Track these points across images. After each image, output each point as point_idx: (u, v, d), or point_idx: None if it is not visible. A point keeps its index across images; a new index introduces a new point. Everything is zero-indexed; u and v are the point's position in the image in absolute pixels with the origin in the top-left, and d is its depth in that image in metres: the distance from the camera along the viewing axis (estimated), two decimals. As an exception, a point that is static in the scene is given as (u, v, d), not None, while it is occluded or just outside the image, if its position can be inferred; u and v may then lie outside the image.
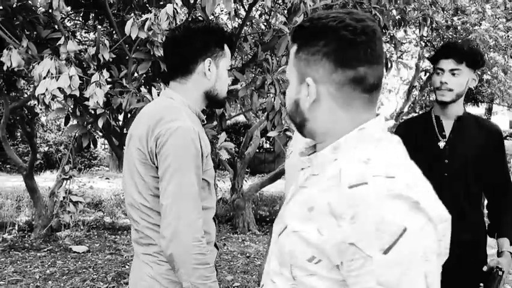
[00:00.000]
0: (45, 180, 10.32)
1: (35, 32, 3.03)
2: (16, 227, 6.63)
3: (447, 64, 2.21)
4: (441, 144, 2.26)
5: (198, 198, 1.58)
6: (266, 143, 15.57)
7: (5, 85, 3.74)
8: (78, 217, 7.30)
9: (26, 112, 6.45)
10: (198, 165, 1.59)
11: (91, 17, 3.84)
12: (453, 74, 2.20)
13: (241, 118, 14.91)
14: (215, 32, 1.74)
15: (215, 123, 3.14)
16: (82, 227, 6.97)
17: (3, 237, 6.30)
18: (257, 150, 15.01)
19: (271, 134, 2.85)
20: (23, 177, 6.45)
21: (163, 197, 1.56)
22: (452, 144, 2.26)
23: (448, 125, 2.30)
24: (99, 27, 2.84)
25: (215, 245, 1.87)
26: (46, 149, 13.83)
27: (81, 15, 3.84)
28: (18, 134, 13.45)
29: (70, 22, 5.15)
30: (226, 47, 1.77)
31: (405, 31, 6.88)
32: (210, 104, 1.81)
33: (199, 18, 3.36)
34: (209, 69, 1.71)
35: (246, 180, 7.97)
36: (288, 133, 2.83)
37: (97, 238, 6.69)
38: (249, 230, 7.39)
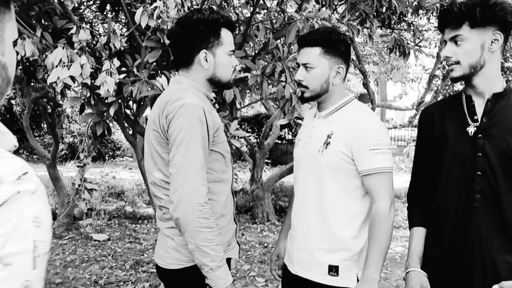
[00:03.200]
0: (69, 170, 10.52)
1: (51, 23, 3.07)
2: (40, 215, 6.77)
3: (447, 33, 1.73)
4: (471, 130, 1.73)
5: (203, 166, 1.68)
6: (288, 134, 15.49)
7: (25, 75, 3.80)
8: (100, 206, 7.43)
9: (49, 102, 6.57)
10: (204, 136, 1.69)
11: (108, 7, 3.88)
12: (455, 42, 1.71)
13: (263, 109, 14.89)
14: (208, 23, 1.80)
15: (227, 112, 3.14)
16: (103, 216, 7.10)
17: (27, 225, 6.44)
18: (279, 141, 14.98)
19: (281, 121, 2.84)
20: (46, 166, 6.59)
21: (171, 166, 1.68)
22: (486, 130, 1.71)
23: (480, 106, 1.76)
24: (109, 16, 2.86)
25: (234, 220, 1.96)
26: (71, 139, 14.09)
27: (98, 6, 3.89)
28: (45, 125, 13.77)
29: (91, 14, 5.23)
30: (224, 33, 1.84)
31: (428, 19, 6.74)
32: (216, 87, 1.92)
33: (212, 6, 3.35)
34: (206, 60, 1.81)
35: (265, 171, 7.94)
36: (298, 121, 2.80)
37: (118, 227, 6.79)
38: (268, 220, 7.38)
